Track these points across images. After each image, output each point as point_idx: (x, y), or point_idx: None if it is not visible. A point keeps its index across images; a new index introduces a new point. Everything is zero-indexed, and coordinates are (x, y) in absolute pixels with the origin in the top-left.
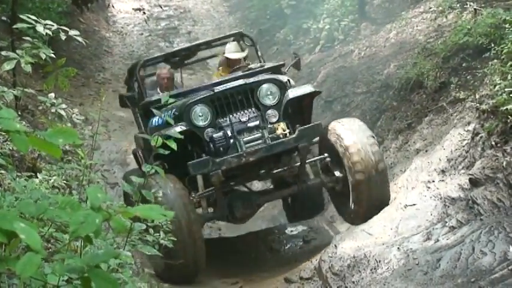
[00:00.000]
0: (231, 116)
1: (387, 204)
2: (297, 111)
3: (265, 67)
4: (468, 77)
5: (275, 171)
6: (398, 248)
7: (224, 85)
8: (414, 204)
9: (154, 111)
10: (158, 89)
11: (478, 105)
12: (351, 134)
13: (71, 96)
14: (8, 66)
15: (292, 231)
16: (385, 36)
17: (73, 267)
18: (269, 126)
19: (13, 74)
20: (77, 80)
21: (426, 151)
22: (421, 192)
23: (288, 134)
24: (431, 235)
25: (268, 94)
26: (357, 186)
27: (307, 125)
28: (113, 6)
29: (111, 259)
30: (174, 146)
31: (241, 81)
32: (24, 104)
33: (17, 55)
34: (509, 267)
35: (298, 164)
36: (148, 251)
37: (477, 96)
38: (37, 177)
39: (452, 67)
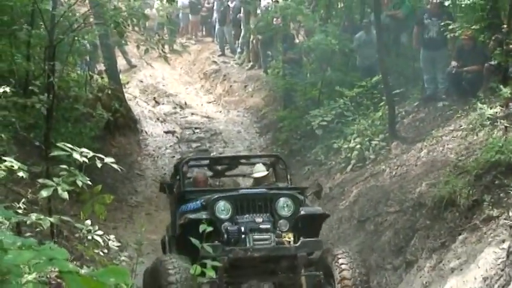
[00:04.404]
0: (247, 215)
1: None
2: (306, 227)
3: (289, 186)
4: (501, 195)
5: (273, 276)
6: None
7: (249, 189)
8: None
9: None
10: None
11: (511, 222)
12: (346, 257)
13: (104, 220)
14: (45, 193)
15: None
16: (416, 154)
17: None
18: (278, 232)
19: (48, 200)
20: (110, 204)
21: (461, 270)
22: None
23: (291, 243)
24: None
25: (284, 206)
26: None
27: (310, 239)
28: (146, 132)
29: None
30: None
31: (263, 190)
32: (59, 230)
33: (54, 183)
34: None
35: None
36: None
37: (510, 214)
38: None
39: (485, 185)
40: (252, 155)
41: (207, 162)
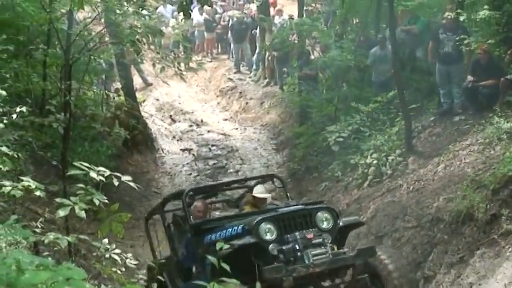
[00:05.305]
0: (297, 233)
1: None
2: (342, 237)
3: (309, 201)
4: None
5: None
6: None
7: (286, 208)
8: None
9: (209, 257)
10: (191, 218)
11: None
12: (390, 258)
13: (121, 239)
14: (62, 212)
15: None
16: (433, 169)
17: None
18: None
19: (66, 219)
20: (127, 222)
21: (480, 285)
22: None
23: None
24: None
25: (324, 220)
26: None
27: (364, 247)
28: (162, 150)
29: None
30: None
31: (301, 206)
32: (77, 248)
33: (71, 202)
34: None
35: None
36: None
37: None
38: None
39: (503, 199)
40: (249, 178)
41: (206, 190)
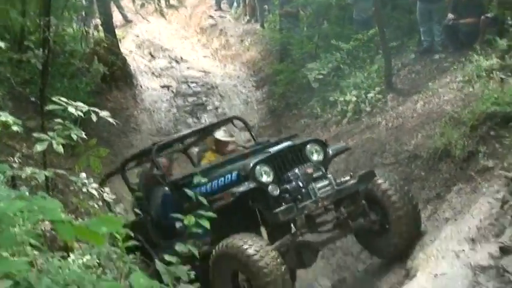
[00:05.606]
0: (296, 170)
1: (419, 233)
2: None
3: (283, 137)
4: (496, 146)
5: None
6: None
7: (275, 147)
8: (445, 274)
9: (187, 191)
10: None
11: (506, 173)
12: (387, 180)
13: (99, 173)
14: (40, 147)
15: None
16: (412, 107)
17: None
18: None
19: (43, 154)
20: (105, 158)
21: (455, 220)
22: (452, 262)
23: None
24: None
25: (314, 152)
26: (398, 221)
27: (364, 171)
28: (141, 86)
29: None
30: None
31: (289, 143)
32: (54, 183)
33: (49, 137)
34: None
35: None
36: None
37: (505, 165)
38: (70, 257)
39: (480, 136)
40: (213, 123)
41: (170, 144)
